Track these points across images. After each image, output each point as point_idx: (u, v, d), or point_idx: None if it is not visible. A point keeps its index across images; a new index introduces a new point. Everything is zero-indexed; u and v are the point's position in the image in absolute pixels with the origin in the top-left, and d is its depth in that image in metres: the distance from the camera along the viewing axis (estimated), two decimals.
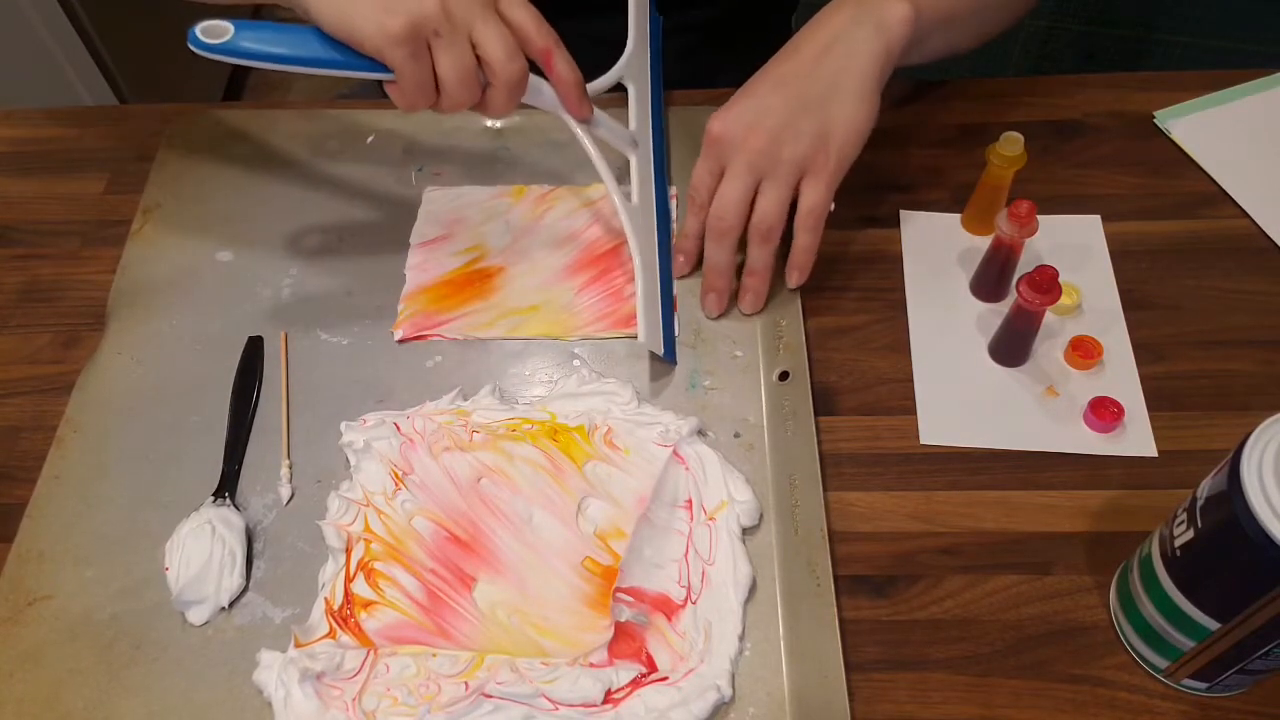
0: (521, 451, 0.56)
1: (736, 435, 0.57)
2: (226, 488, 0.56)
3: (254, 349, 0.62)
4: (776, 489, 0.55)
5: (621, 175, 0.64)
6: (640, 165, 0.64)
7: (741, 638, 0.50)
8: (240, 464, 0.57)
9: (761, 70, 0.59)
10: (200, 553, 0.52)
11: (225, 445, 0.58)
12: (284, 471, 0.57)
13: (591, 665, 0.49)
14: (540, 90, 0.56)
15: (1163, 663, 0.48)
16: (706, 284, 0.62)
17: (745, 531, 0.53)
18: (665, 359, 0.60)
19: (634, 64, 0.67)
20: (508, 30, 0.51)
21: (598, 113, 0.59)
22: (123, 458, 0.58)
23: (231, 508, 0.55)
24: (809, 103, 0.56)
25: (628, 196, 0.62)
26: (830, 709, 0.48)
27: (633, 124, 0.66)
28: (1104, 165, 0.69)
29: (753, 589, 0.51)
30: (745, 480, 0.54)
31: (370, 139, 0.72)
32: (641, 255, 0.60)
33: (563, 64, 0.55)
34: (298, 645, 0.50)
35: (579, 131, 0.59)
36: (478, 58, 0.51)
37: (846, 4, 0.58)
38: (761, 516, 0.54)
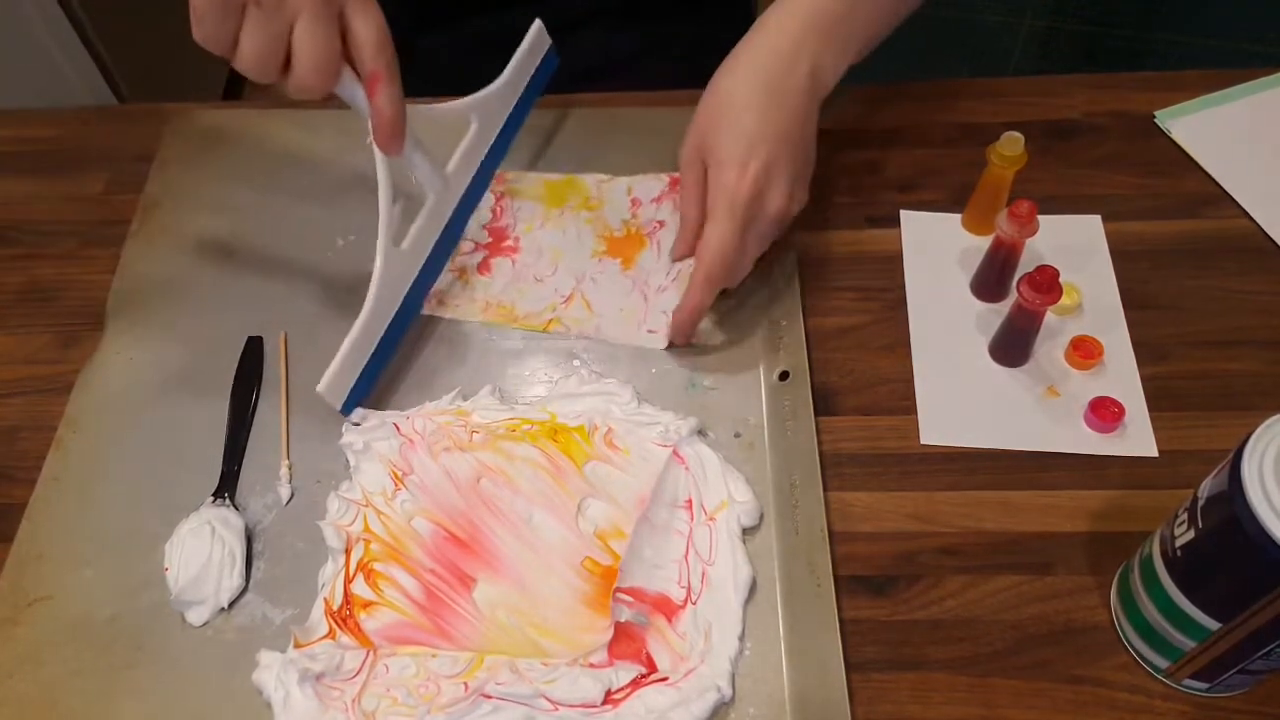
0: (521, 451, 0.55)
1: (736, 435, 0.57)
2: (226, 488, 0.56)
3: (254, 349, 0.62)
4: (776, 489, 0.54)
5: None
6: (434, 209, 0.59)
7: (741, 638, 0.50)
8: (240, 464, 0.57)
9: (744, 77, 0.51)
10: (200, 553, 0.52)
11: (225, 445, 0.57)
12: (284, 472, 0.57)
13: (591, 666, 0.49)
14: (355, 96, 0.50)
15: (1163, 663, 0.48)
16: (679, 319, 0.57)
17: (745, 532, 0.53)
18: (342, 412, 0.57)
19: (491, 103, 0.60)
20: (335, 36, 0.46)
21: (410, 148, 0.54)
22: (122, 458, 0.58)
23: (231, 508, 0.55)
24: (793, 144, 0.50)
25: (398, 241, 0.57)
26: (830, 709, 0.48)
27: (452, 164, 0.60)
28: (1104, 165, 0.69)
29: (753, 589, 0.51)
30: (745, 480, 0.54)
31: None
32: (375, 305, 0.56)
33: (384, 98, 0.49)
34: (297, 646, 0.50)
35: (378, 156, 0.53)
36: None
37: (794, 30, 0.53)
38: (761, 516, 0.54)
